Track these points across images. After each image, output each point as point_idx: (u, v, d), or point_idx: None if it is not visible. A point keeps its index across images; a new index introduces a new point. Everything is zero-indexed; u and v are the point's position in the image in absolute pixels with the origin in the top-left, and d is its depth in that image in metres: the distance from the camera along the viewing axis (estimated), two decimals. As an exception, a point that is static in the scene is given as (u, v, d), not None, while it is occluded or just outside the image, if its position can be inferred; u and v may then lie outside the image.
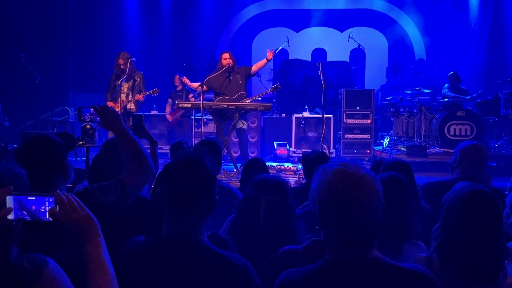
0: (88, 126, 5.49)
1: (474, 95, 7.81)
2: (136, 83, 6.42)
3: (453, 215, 1.50)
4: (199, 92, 5.88)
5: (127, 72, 6.28)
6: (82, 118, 1.95)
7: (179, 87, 7.76)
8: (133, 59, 6.40)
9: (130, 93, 6.41)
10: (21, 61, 6.63)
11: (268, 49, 5.83)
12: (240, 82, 5.94)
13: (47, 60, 8.40)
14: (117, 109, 6.20)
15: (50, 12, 9.15)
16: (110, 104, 6.33)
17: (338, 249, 1.26)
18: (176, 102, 6.31)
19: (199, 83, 5.97)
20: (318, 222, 1.27)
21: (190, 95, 7.38)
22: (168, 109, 7.90)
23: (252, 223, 1.85)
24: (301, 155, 7.31)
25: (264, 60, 5.91)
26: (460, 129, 7.18)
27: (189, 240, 1.36)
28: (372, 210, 1.22)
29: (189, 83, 6.29)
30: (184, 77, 6.47)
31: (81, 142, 5.54)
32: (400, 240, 1.81)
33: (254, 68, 6.05)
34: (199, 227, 1.39)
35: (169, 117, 7.86)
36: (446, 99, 7.70)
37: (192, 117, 7.03)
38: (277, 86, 5.88)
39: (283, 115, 8.69)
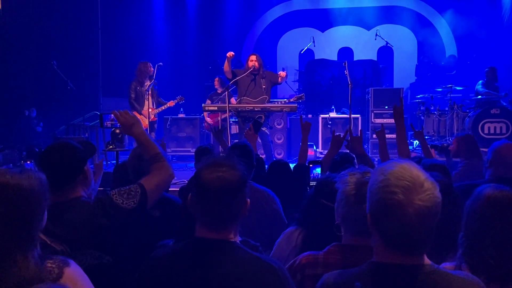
0: (117, 131, 5.60)
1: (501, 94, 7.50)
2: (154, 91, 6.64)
3: (474, 219, 1.44)
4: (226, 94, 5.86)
5: (154, 77, 6.43)
6: (104, 124, 2.00)
7: (219, 90, 7.50)
8: (160, 64, 6.51)
9: (152, 100, 6.60)
10: (53, 68, 6.85)
11: (280, 72, 5.87)
12: (264, 86, 5.90)
13: (78, 67, 8.65)
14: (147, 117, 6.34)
15: (80, 21, 9.44)
16: (144, 113, 6.44)
17: (387, 253, 1.20)
18: (203, 105, 6.31)
19: (230, 72, 5.82)
20: (369, 222, 1.22)
21: (232, 99, 7.09)
22: None
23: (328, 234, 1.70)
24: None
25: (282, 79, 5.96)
26: (495, 127, 6.92)
27: (223, 243, 1.36)
28: (430, 220, 1.15)
29: (228, 62, 5.78)
30: (231, 53, 5.81)
31: (111, 147, 5.67)
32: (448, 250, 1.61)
33: (279, 80, 6.06)
34: (232, 229, 1.39)
35: (208, 120, 7.67)
36: (479, 96, 7.44)
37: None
38: (301, 96, 5.83)
39: (309, 115, 8.61)
